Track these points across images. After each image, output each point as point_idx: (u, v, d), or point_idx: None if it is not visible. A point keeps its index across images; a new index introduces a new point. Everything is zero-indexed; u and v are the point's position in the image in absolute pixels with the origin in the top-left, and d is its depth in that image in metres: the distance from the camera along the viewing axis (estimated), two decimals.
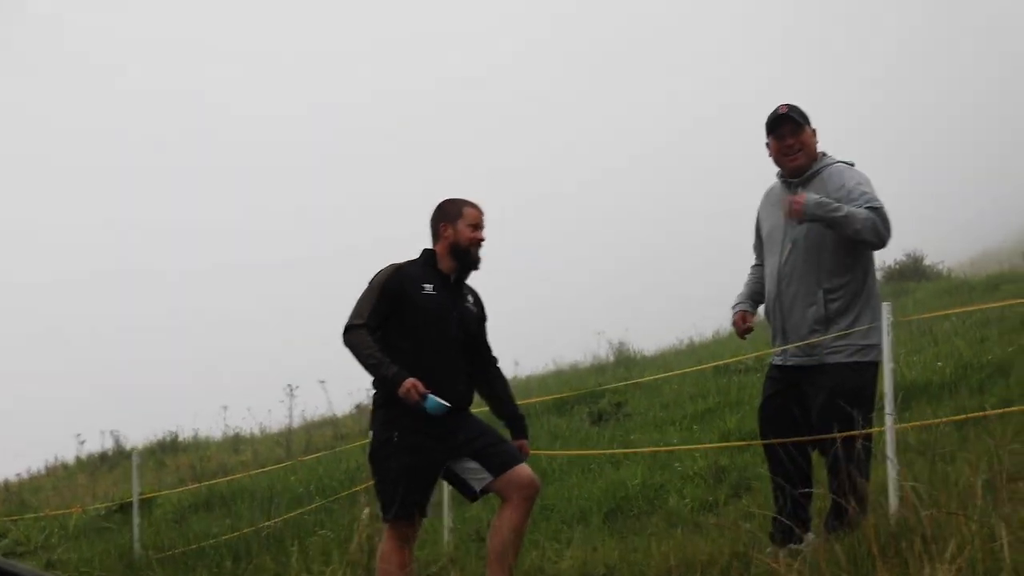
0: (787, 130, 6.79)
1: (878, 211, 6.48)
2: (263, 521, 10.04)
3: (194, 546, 10.03)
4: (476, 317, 6.75)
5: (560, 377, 20.03)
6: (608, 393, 14.26)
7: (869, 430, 6.21)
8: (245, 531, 9.84)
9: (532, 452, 6.86)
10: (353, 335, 6.45)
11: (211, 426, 24.58)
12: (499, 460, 6.35)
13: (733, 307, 7.16)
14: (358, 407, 23.04)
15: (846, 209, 6.44)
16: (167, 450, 23.03)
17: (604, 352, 20.82)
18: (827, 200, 6.48)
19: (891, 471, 6.15)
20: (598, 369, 19.50)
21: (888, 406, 6.32)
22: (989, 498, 4.88)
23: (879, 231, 6.47)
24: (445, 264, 6.60)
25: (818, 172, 6.77)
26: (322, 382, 19.05)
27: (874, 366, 6.52)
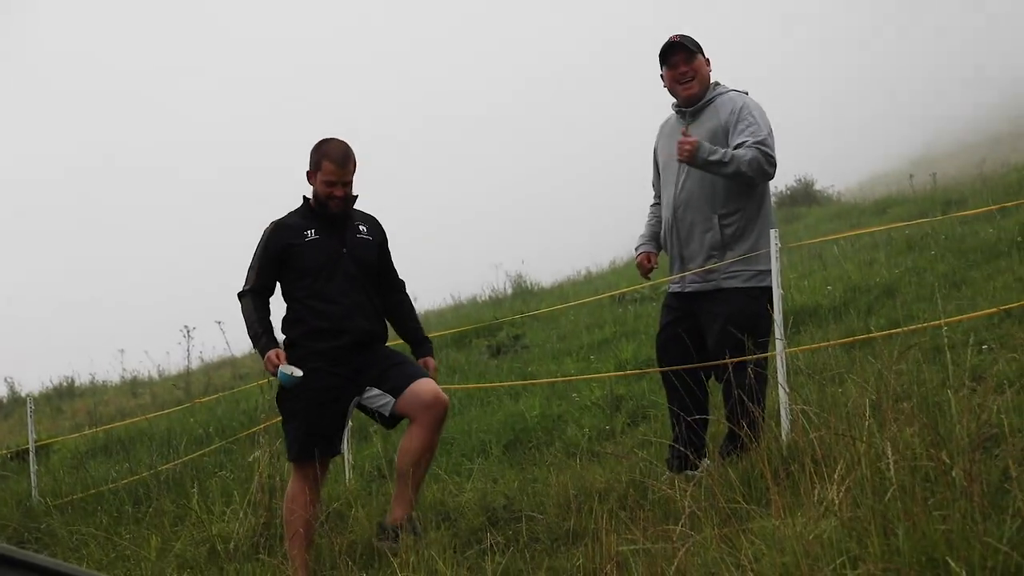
0: (680, 58, 6.82)
1: (761, 147, 6.55)
2: (162, 464, 9.96)
3: (93, 491, 9.93)
4: (372, 246, 6.73)
5: (459, 311, 20.05)
6: (506, 326, 14.32)
7: (760, 355, 6.31)
8: (144, 475, 9.76)
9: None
10: (242, 303, 6.63)
11: (108, 370, 24.29)
12: (398, 381, 6.42)
13: (636, 248, 7.21)
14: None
15: (730, 155, 6.51)
16: (64, 396, 22.74)
17: (502, 285, 20.89)
18: (714, 149, 6.53)
19: (782, 396, 6.26)
20: (496, 302, 19.55)
21: (778, 331, 6.41)
22: (876, 419, 4.98)
23: (763, 169, 6.56)
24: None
25: (711, 101, 6.82)
26: (219, 323, 18.86)
27: (769, 291, 6.60)
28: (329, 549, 6.74)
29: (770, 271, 6.59)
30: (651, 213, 7.24)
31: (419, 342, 6.92)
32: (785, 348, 6.46)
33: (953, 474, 4.06)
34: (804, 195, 24.86)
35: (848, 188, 29.04)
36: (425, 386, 6.40)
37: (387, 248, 6.89)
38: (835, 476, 4.53)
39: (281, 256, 6.54)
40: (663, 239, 7.04)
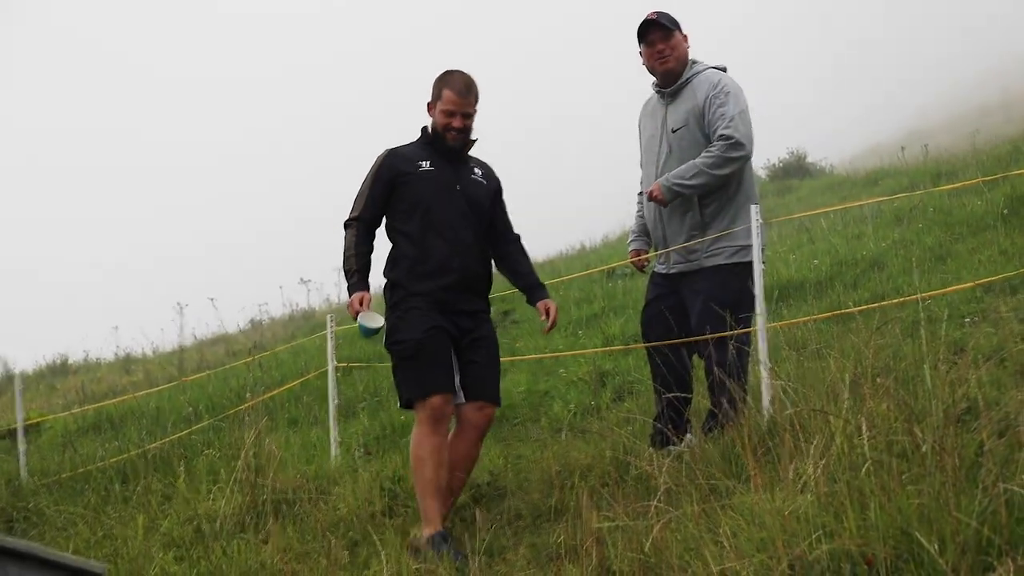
0: (657, 36, 6.82)
1: (722, 140, 6.57)
2: (150, 443, 9.97)
3: (81, 470, 9.93)
4: (486, 190, 6.56)
5: None
6: (496, 301, 14.27)
7: (741, 330, 6.33)
8: (132, 453, 9.76)
9: None
10: (345, 232, 6.43)
11: (102, 347, 24.31)
12: (474, 382, 6.32)
13: (628, 244, 7.26)
14: (251, 322, 22.92)
15: (692, 171, 6.58)
16: (57, 373, 22.72)
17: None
18: (676, 181, 6.61)
19: (763, 372, 6.27)
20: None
21: (759, 307, 6.42)
22: (854, 394, 5.00)
23: (728, 159, 6.58)
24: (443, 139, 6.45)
25: (688, 81, 6.82)
26: (211, 299, 18.90)
27: (751, 265, 6.60)
28: (313, 526, 6.76)
29: (750, 248, 6.59)
30: (638, 202, 7.24)
31: (533, 286, 6.68)
32: (766, 324, 6.46)
33: (924, 449, 4.07)
34: (797, 168, 24.80)
35: (841, 161, 28.99)
36: (484, 410, 6.33)
37: (502, 196, 6.72)
38: (812, 452, 4.55)
39: (392, 184, 6.37)
40: (647, 220, 7.05)
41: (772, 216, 15.53)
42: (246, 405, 9.14)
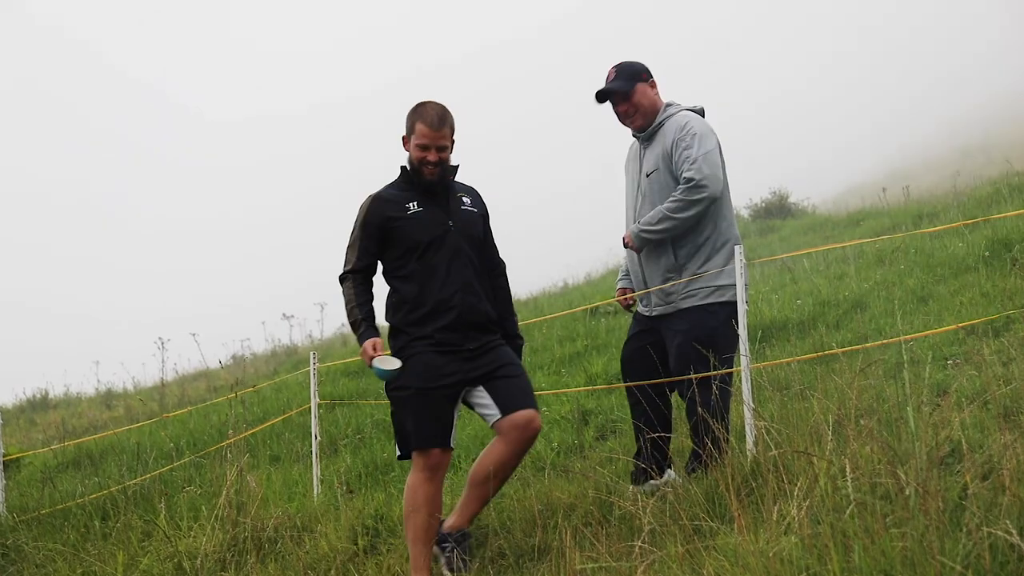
0: (616, 99, 6.88)
1: (687, 181, 6.58)
2: (131, 479, 9.91)
3: (60, 506, 9.87)
4: (478, 217, 6.38)
5: None
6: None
7: (722, 370, 6.33)
8: (113, 489, 9.70)
9: None
10: (342, 286, 6.29)
11: (83, 382, 24.20)
12: (508, 398, 6.07)
13: (617, 282, 7.29)
14: (233, 358, 22.86)
15: (656, 217, 6.62)
16: (37, 408, 22.63)
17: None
18: (645, 223, 6.66)
19: (747, 413, 6.28)
20: None
21: (743, 347, 6.43)
22: (837, 436, 5.01)
23: (691, 202, 6.56)
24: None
25: (661, 124, 6.86)
26: (194, 334, 18.87)
27: (729, 306, 6.59)
28: (295, 564, 6.72)
29: (729, 286, 6.59)
30: None
31: (510, 337, 6.44)
32: (750, 364, 6.47)
33: (907, 491, 4.08)
34: (779, 208, 24.93)
35: (823, 200, 29.16)
36: (526, 414, 6.03)
37: (488, 223, 6.51)
38: (796, 493, 4.55)
39: (382, 232, 6.17)
40: (628, 263, 7.08)
41: (754, 256, 15.61)
42: (228, 441, 9.08)
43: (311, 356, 9.21)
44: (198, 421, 13.33)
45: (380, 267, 6.35)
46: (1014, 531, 3.73)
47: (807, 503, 4.42)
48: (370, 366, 6.04)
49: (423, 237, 6.13)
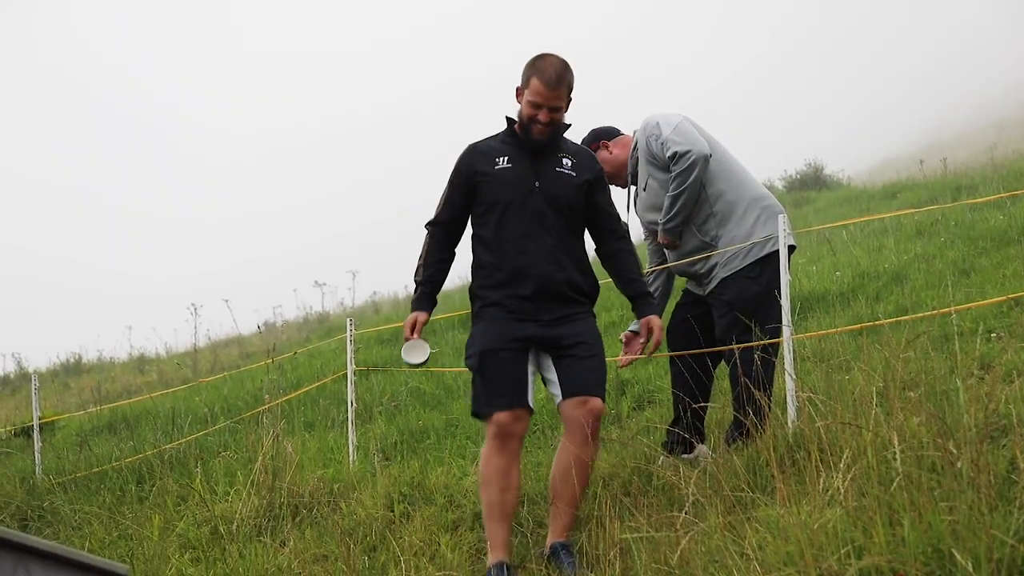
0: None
1: (670, 159, 6.64)
2: (167, 443, 9.94)
3: (96, 469, 9.91)
4: (576, 182, 5.81)
5: (465, 292, 19.95)
6: None
7: (766, 341, 6.28)
8: (148, 453, 9.74)
9: (438, 368, 6.76)
10: (425, 236, 5.99)
11: (116, 347, 24.33)
12: (571, 380, 5.65)
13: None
14: (264, 324, 22.93)
15: (668, 202, 6.68)
16: (71, 372, 22.80)
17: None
18: (664, 218, 6.73)
19: (789, 383, 6.22)
20: None
21: (785, 318, 6.36)
22: (883, 408, 4.95)
23: (682, 173, 6.58)
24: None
25: (635, 159, 6.96)
26: (226, 300, 18.90)
27: (769, 260, 6.55)
28: (331, 530, 6.72)
29: (763, 241, 6.57)
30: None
31: (638, 296, 6.03)
32: (792, 335, 6.41)
33: (959, 465, 4.02)
34: (814, 179, 24.77)
35: (858, 173, 28.97)
36: (586, 403, 5.59)
37: (600, 187, 5.95)
38: (841, 465, 4.50)
39: (468, 185, 5.78)
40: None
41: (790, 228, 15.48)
42: (263, 407, 9.09)
43: (348, 323, 9.19)
44: (232, 387, 13.36)
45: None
46: None
47: (851, 475, 4.37)
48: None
49: (502, 196, 5.71)
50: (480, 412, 5.68)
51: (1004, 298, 7.51)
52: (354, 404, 8.73)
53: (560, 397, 5.66)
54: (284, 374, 12.77)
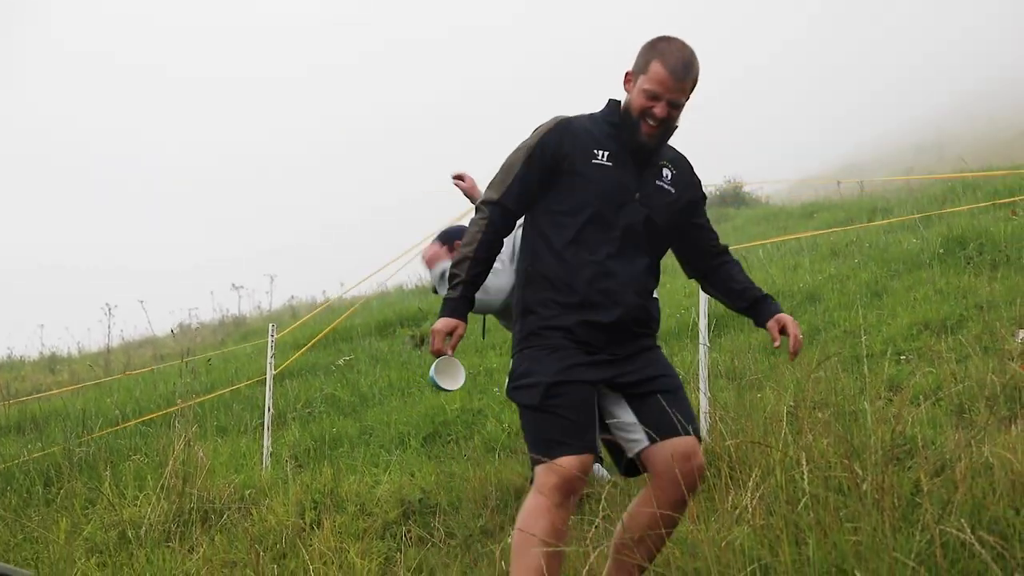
0: None
1: None
2: (76, 444, 9.79)
3: (2, 467, 9.74)
4: (672, 202, 4.67)
5: (384, 299, 19.95)
6: (431, 316, 14.24)
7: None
8: (53, 449, 9.58)
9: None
10: (475, 216, 4.69)
11: (27, 345, 23.94)
12: (661, 421, 4.41)
13: None
14: (179, 327, 22.72)
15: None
16: None
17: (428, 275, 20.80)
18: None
19: (703, 401, 6.28)
20: (423, 292, 19.47)
21: (702, 336, 6.43)
22: (792, 427, 5.02)
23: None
24: None
25: None
26: (141, 301, 18.72)
27: None
28: (241, 536, 6.67)
29: None
30: None
31: (758, 300, 4.77)
32: (707, 353, 6.48)
33: (864, 486, 4.09)
34: (733, 196, 25.04)
35: (777, 191, 29.32)
36: (686, 446, 4.37)
37: (701, 206, 4.86)
38: (750, 484, 4.54)
39: (554, 168, 4.57)
40: None
41: None
42: (176, 407, 9.00)
43: (270, 328, 9.14)
44: (145, 389, 13.20)
45: (528, 216, 4.74)
46: (967, 528, 3.74)
47: (759, 493, 4.42)
48: (434, 357, 4.58)
49: (593, 201, 4.54)
50: (540, 456, 4.37)
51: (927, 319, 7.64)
52: (271, 410, 8.67)
53: (644, 442, 4.45)
54: (198, 377, 12.65)
